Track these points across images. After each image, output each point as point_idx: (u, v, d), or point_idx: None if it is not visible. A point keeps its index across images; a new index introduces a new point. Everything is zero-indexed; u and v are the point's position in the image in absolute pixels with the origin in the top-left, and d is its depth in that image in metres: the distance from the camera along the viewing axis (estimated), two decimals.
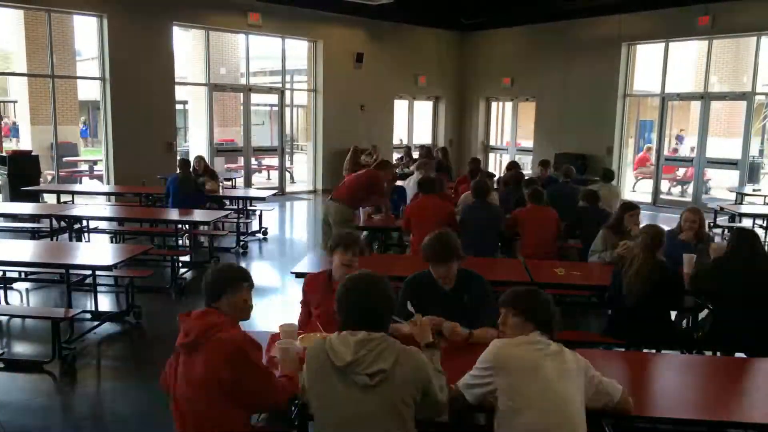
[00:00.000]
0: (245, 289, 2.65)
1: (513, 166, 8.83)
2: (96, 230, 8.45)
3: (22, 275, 6.61)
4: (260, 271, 8.07)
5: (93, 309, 5.76)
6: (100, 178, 12.45)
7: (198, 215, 7.41)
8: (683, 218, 4.97)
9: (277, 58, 13.88)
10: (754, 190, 11.43)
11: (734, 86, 15.60)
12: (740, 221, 9.59)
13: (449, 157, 13.06)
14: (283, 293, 6.96)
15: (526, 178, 7.77)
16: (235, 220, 8.94)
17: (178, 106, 13.46)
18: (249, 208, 9.90)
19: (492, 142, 16.63)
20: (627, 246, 4.61)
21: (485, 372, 2.38)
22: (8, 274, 6.40)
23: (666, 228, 4.51)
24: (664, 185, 14.15)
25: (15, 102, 17.85)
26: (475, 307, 3.19)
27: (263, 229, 9.54)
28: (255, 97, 14.54)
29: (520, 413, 2.28)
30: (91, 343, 5.13)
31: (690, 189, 13.49)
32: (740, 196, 10.94)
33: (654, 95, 13.56)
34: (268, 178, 16.21)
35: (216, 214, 7.74)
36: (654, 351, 3.78)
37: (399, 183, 8.73)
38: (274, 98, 14.83)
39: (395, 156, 15.13)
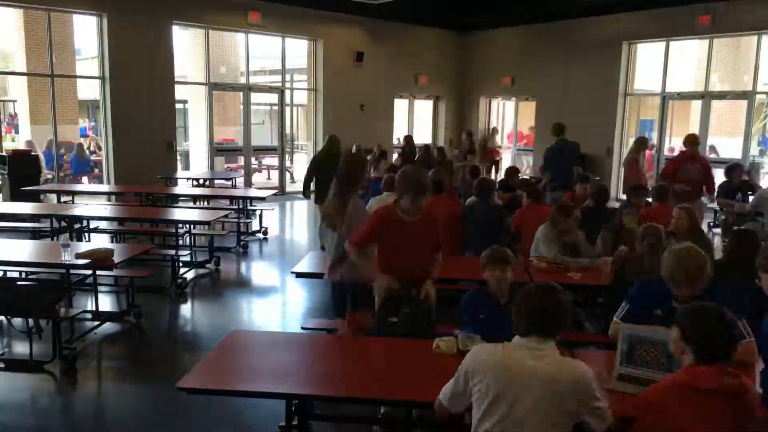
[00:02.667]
0: None
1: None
2: (96, 230, 8.44)
3: (22, 275, 6.59)
4: (260, 271, 8.07)
5: (93, 309, 5.76)
6: (100, 177, 12.44)
7: (198, 215, 7.40)
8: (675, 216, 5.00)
9: (277, 58, 13.88)
10: None
11: (735, 85, 15.60)
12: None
13: (445, 155, 13.08)
14: (283, 293, 6.97)
15: (523, 178, 7.80)
16: (236, 220, 8.94)
17: (178, 106, 13.46)
18: (249, 207, 9.90)
19: None
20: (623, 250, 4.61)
21: (461, 378, 2.39)
22: (8, 274, 6.39)
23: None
24: None
25: (15, 101, 17.85)
26: None
27: (263, 229, 9.54)
28: (255, 97, 14.53)
29: (484, 419, 2.29)
30: (91, 343, 5.13)
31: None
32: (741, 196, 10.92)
33: (654, 94, 13.55)
34: (268, 178, 16.21)
35: (216, 214, 7.75)
36: None
37: None
38: (274, 97, 14.82)
39: (395, 156, 15.13)
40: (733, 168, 8.82)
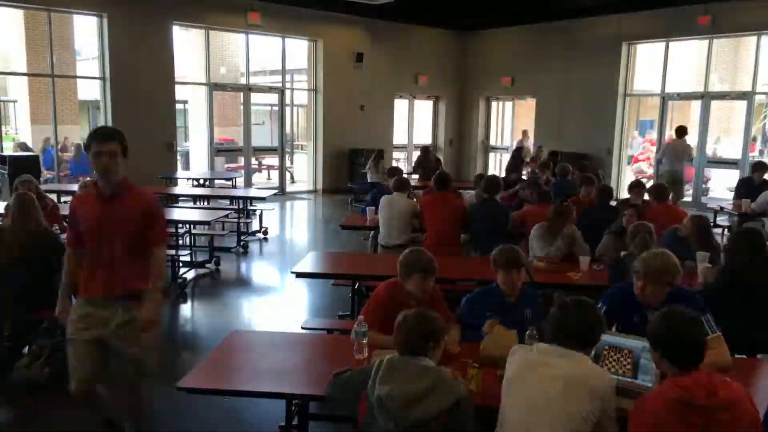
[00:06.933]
0: None
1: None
2: None
3: None
4: (260, 270, 8.07)
5: None
6: None
7: (198, 215, 7.40)
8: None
9: (277, 58, 13.88)
10: None
11: (735, 85, 15.60)
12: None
13: (434, 157, 13.14)
14: (283, 293, 6.97)
15: (531, 178, 7.81)
16: (236, 220, 8.95)
17: (178, 106, 13.46)
18: (249, 207, 9.90)
19: (492, 142, 16.64)
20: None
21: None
22: None
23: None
24: None
25: (15, 102, 17.85)
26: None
27: (263, 229, 9.54)
28: (255, 97, 14.53)
29: (504, 417, 2.36)
30: None
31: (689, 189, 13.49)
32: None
33: (654, 95, 13.56)
34: (268, 178, 16.22)
35: (216, 214, 7.75)
36: None
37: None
38: (274, 98, 14.83)
39: (395, 156, 15.15)
40: (757, 166, 8.87)
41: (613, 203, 6.65)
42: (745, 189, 8.58)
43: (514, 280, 3.36)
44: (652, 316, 2.91)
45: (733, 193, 11.31)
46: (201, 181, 11.03)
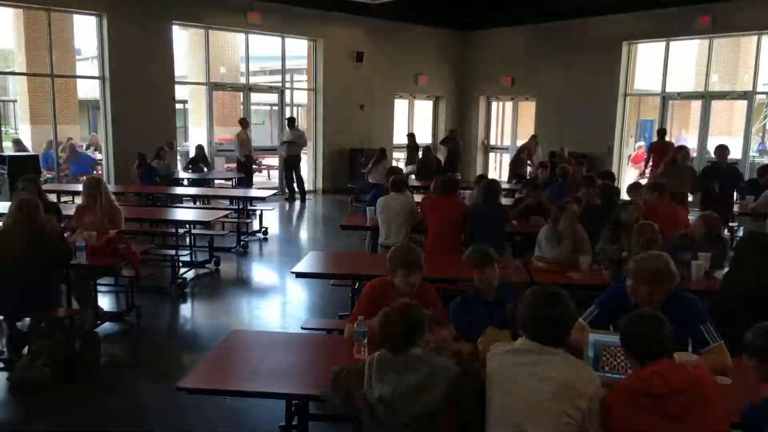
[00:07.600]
0: None
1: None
2: None
3: None
4: (260, 271, 8.07)
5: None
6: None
7: (198, 215, 7.40)
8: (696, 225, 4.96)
9: (277, 58, 13.87)
10: None
11: (735, 85, 15.59)
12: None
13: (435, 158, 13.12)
14: (283, 293, 6.97)
15: (529, 178, 7.79)
16: (236, 220, 8.95)
17: (178, 106, 13.45)
18: (249, 207, 9.90)
19: (492, 142, 16.63)
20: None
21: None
22: None
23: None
24: None
25: (15, 101, 17.85)
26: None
27: (263, 229, 9.54)
28: (255, 97, 14.53)
29: (495, 418, 2.34)
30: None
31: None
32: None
33: (655, 94, 13.55)
34: (269, 178, 16.20)
35: (216, 214, 7.75)
36: None
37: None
38: (274, 98, 14.82)
39: (396, 156, 15.13)
40: (764, 170, 8.80)
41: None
42: (751, 190, 8.55)
43: (484, 277, 3.38)
44: None
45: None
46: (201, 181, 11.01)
